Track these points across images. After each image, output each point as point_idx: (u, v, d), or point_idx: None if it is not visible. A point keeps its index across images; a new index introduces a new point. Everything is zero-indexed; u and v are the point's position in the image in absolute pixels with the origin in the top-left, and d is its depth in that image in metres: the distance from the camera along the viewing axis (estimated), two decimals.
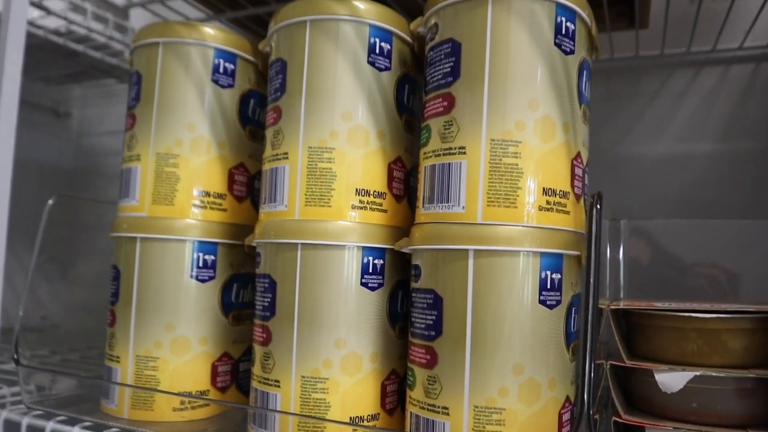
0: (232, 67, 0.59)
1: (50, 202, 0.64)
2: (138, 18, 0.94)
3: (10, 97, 0.64)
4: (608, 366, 0.47)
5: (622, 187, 0.78)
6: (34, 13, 0.84)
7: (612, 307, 0.48)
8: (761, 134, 0.75)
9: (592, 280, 0.38)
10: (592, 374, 0.37)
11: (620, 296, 0.62)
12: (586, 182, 0.48)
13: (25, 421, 0.58)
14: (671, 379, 0.44)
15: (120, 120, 1.14)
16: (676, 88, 0.79)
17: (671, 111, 0.79)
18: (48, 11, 0.81)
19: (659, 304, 0.48)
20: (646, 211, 0.76)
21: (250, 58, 0.61)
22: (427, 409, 0.44)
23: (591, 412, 0.36)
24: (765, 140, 0.74)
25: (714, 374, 0.43)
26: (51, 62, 0.98)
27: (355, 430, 0.48)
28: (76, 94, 1.21)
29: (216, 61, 0.58)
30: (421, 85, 0.53)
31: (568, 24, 0.45)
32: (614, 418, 0.45)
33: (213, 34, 0.58)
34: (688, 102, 0.79)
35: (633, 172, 0.79)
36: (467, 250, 0.43)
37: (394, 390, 0.51)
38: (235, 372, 0.60)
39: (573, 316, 0.45)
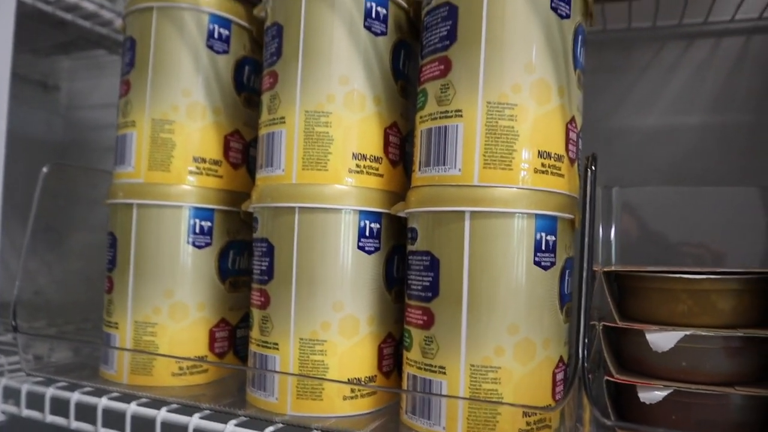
0: (227, 32, 0.59)
1: (44, 170, 0.64)
2: None
3: (1, 72, 0.63)
4: (601, 327, 0.48)
5: (613, 159, 0.78)
6: None
7: (605, 269, 0.49)
8: (751, 107, 0.75)
9: (586, 240, 0.39)
10: (587, 331, 0.38)
11: (612, 263, 0.63)
12: (579, 147, 0.48)
13: (25, 387, 0.58)
14: (662, 339, 0.45)
15: (110, 92, 1.13)
16: (668, 60, 0.79)
17: (663, 83, 0.79)
18: None
19: (651, 267, 0.49)
20: (637, 182, 0.77)
21: (245, 24, 0.60)
22: (424, 369, 0.45)
23: (585, 365, 0.37)
24: (755, 113, 0.75)
25: (703, 333, 0.44)
26: (39, 32, 0.97)
27: (352, 389, 0.49)
28: (64, 66, 1.20)
29: (211, 27, 0.58)
30: (417, 51, 0.54)
31: None
32: (606, 377, 0.47)
33: None
34: (680, 74, 0.79)
35: (624, 144, 0.79)
36: (464, 211, 0.43)
37: (391, 353, 0.52)
38: (233, 338, 0.61)
39: (566, 278, 0.46)
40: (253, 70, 0.62)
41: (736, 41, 0.77)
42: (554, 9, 0.44)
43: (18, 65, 1.08)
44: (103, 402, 0.54)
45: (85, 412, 0.55)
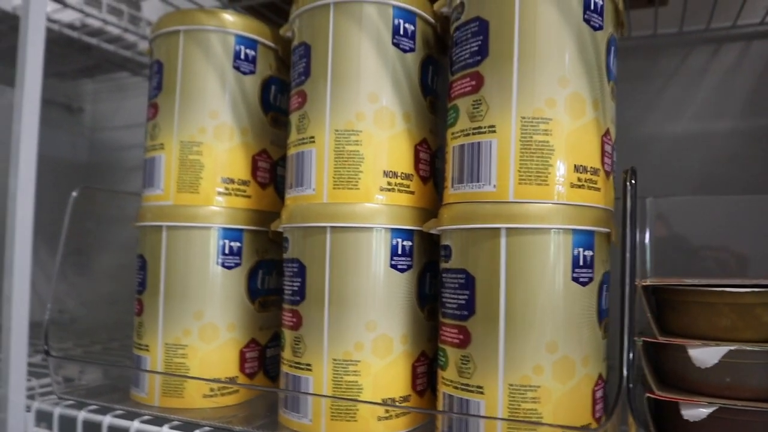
0: (253, 53, 0.59)
1: (74, 194, 0.65)
2: (149, 9, 0.94)
3: (32, 98, 0.64)
4: (641, 343, 0.47)
5: (643, 166, 0.77)
6: (48, 8, 0.84)
7: (643, 283, 0.48)
8: None
9: (628, 255, 0.38)
10: (631, 347, 0.37)
11: (647, 273, 0.62)
12: (614, 159, 0.47)
13: (57, 411, 0.58)
14: (705, 354, 0.44)
15: (133, 114, 1.14)
16: (696, 66, 0.78)
17: (691, 89, 0.78)
18: (64, 4, 0.81)
19: (690, 281, 0.48)
20: (667, 189, 0.76)
21: (271, 44, 0.60)
22: (461, 389, 0.44)
23: (630, 385, 0.36)
24: None
25: (749, 348, 0.43)
26: (64, 57, 0.98)
27: (387, 410, 0.48)
28: (88, 89, 1.21)
29: (237, 48, 0.58)
30: (445, 66, 0.53)
31: None
32: (647, 394, 0.45)
33: (233, 20, 0.58)
34: (708, 79, 0.78)
35: (654, 151, 0.78)
36: (499, 228, 0.42)
37: (424, 371, 0.51)
38: (263, 358, 0.60)
39: (604, 293, 0.45)
40: (280, 89, 0.62)
41: (765, 44, 0.76)
42: (587, 21, 0.44)
43: (43, 89, 1.10)
44: (135, 425, 0.53)
45: None
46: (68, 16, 0.86)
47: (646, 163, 0.77)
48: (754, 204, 0.64)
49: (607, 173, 0.45)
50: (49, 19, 0.83)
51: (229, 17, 0.58)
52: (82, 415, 0.57)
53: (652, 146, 0.78)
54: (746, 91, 0.76)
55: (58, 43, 0.88)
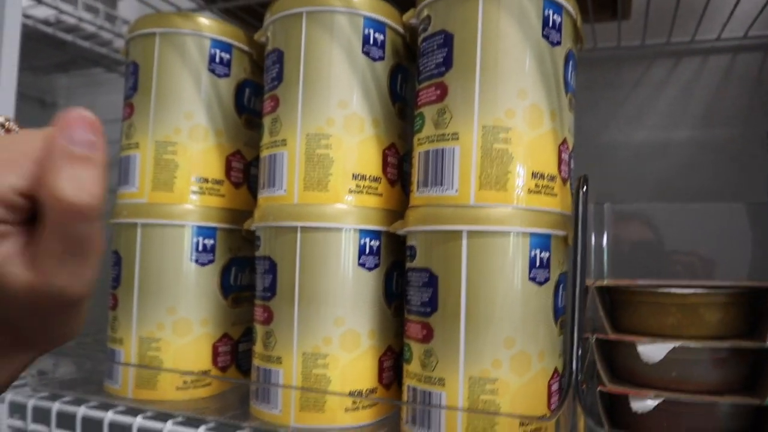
0: (228, 56, 0.61)
1: None
2: (125, 7, 0.94)
3: (6, 91, 0.65)
4: (594, 340, 0.50)
5: (604, 173, 0.80)
6: (24, 2, 0.84)
7: (597, 284, 0.51)
8: (737, 122, 0.78)
9: (579, 257, 0.40)
10: (580, 344, 0.40)
11: (604, 275, 0.65)
12: (571, 167, 0.50)
13: (31, 402, 0.60)
14: (652, 351, 0.47)
15: (107, 110, 1.14)
16: (657, 78, 0.81)
17: (651, 99, 0.81)
18: (39, 0, 0.81)
19: (641, 282, 0.51)
20: (627, 196, 0.79)
21: (246, 48, 0.62)
22: (424, 381, 0.47)
23: (579, 378, 0.39)
24: (741, 127, 0.77)
25: (692, 345, 0.46)
26: (38, 52, 0.98)
27: (354, 401, 0.50)
28: (62, 84, 1.21)
29: (212, 51, 0.60)
30: (413, 74, 0.56)
31: (555, 16, 0.47)
32: (599, 387, 0.48)
33: (209, 24, 0.60)
34: (668, 91, 0.81)
35: (614, 159, 0.81)
36: (461, 230, 0.45)
37: (391, 366, 0.54)
38: (235, 352, 0.62)
39: (560, 292, 0.48)
40: (254, 92, 0.64)
41: (722, 59, 0.79)
42: (546, 37, 0.46)
43: (17, 83, 1.09)
44: (110, 416, 0.55)
45: (92, 427, 0.56)
46: (43, 12, 0.86)
47: (607, 169, 0.81)
48: (709, 211, 0.68)
49: (564, 180, 0.48)
50: (24, 15, 0.84)
51: (204, 21, 0.60)
52: (56, 406, 0.58)
53: (614, 153, 0.81)
54: (703, 103, 0.79)
55: (32, 38, 0.89)
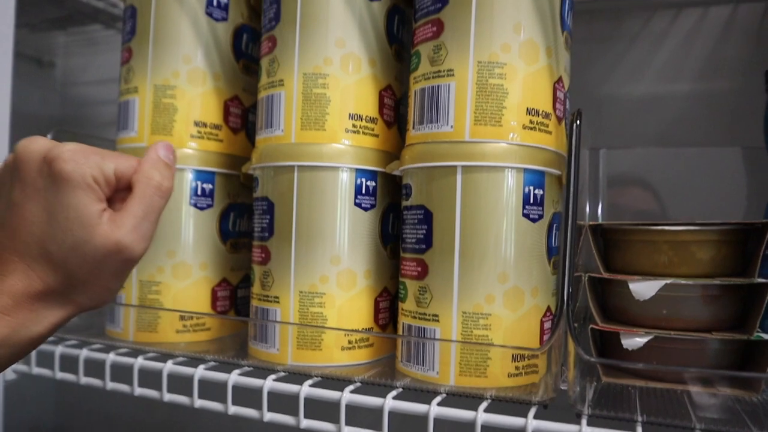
0: (225, 0, 0.60)
1: (49, 136, 0.66)
2: None
3: (3, 48, 0.65)
4: (587, 278, 0.50)
5: (604, 125, 0.80)
6: None
7: (591, 224, 0.51)
8: (737, 74, 0.77)
9: (572, 189, 0.41)
10: (572, 271, 0.41)
11: (599, 221, 0.65)
12: (567, 107, 0.50)
13: None
14: (643, 288, 0.47)
15: (105, 69, 1.14)
16: (657, 29, 0.81)
17: (652, 52, 0.81)
18: None
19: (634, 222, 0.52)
20: (627, 147, 0.79)
21: None
22: (419, 318, 0.47)
23: (569, 306, 0.40)
24: (741, 80, 0.77)
25: (682, 282, 0.47)
26: (35, 7, 0.98)
27: (350, 340, 0.51)
28: (59, 42, 1.20)
29: None
30: (410, 16, 0.55)
31: None
32: (591, 326, 0.49)
33: None
34: (668, 43, 0.81)
35: (615, 111, 0.81)
36: (456, 166, 0.45)
37: (387, 307, 0.54)
38: (234, 298, 0.63)
39: (554, 232, 0.48)
40: (251, 37, 0.63)
41: (723, 10, 0.79)
42: None
43: (14, 42, 1.09)
44: (111, 357, 0.56)
45: (94, 368, 0.57)
46: None
47: (607, 122, 0.80)
48: (704, 156, 0.68)
49: (559, 119, 0.48)
50: None
51: None
52: (59, 349, 0.59)
53: (613, 106, 0.81)
54: (704, 55, 0.79)
55: None
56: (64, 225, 0.33)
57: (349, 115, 0.51)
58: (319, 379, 0.49)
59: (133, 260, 0.35)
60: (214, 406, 0.51)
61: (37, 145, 0.34)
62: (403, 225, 0.49)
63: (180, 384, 0.53)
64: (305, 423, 0.47)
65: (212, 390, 0.51)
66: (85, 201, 0.33)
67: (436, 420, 0.43)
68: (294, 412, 0.47)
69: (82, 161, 0.34)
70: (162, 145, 0.38)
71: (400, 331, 0.50)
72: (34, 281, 0.33)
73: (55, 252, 0.33)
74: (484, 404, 0.43)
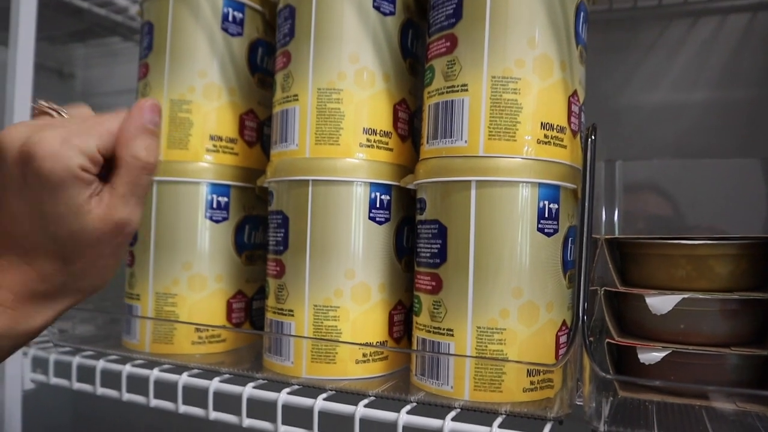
0: (240, 15, 0.61)
1: None
2: None
3: (25, 61, 0.66)
4: (603, 292, 0.50)
5: (620, 135, 0.80)
6: None
7: (607, 237, 0.51)
8: (755, 83, 0.76)
9: (587, 203, 0.40)
10: (587, 287, 0.40)
11: (616, 233, 0.65)
12: (582, 120, 0.50)
13: (53, 357, 0.61)
14: (661, 302, 0.47)
15: (124, 79, 1.15)
16: (674, 38, 0.80)
17: (668, 61, 0.80)
18: None
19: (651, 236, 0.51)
20: (643, 157, 0.78)
21: (258, 7, 0.62)
22: (433, 332, 0.47)
23: (584, 321, 0.39)
24: (758, 89, 0.76)
25: (701, 296, 0.46)
26: (55, 21, 0.99)
27: (364, 353, 0.51)
28: (79, 54, 1.22)
29: (225, 10, 0.60)
30: (425, 30, 0.55)
31: None
32: (607, 340, 0.49)
33: None
34: (685, 52, 0.80)
35: (631, 121, 0.81)
36: (470, 181, 0.45)
37: (401, 320, 0.54)
38: (249, 309, 0.63)
39: (569, 246, 0.48)
40: (266, 51, 0.64)
41: (740, 18, 0.78)
42: None
43: (35, 53, 1.10)
44: (128, 369, 0.56)
45: (110, 379, 0.58)
46: None
47: (623, 131, 0.80)
48: (722, 167, 0.67)
49: (574, 132, 0.48)
50: None
51: None
52: (76, 360, 0.60)
53: (630, 115, 0.81)
54: (720, 64, 0.78)
55: (49, 6, 0.89)
56: (55, 218, 0.33)
57: (363, 129, 0.51)
58: (334, 392, 0.49)
59: (130, 234, 0.35)
60: (229, 418, 0.51)
61: (17, 134, 0.33)
62: (418, 239, 0.49)
63: (195, 395, 0.53)
64: None
65: (227, 402, 0.52)
66: (72, 193, 0.32)
67: None
68: (308, 426, 0.47)
69: (64, 152, 0.32)
70: (148, 107, 0.35)
71: (414, 345, 0.50)
72: (32, 275, 0.33)
73: (49, 244, 0.33)
74: (499, 419, 0.43)
